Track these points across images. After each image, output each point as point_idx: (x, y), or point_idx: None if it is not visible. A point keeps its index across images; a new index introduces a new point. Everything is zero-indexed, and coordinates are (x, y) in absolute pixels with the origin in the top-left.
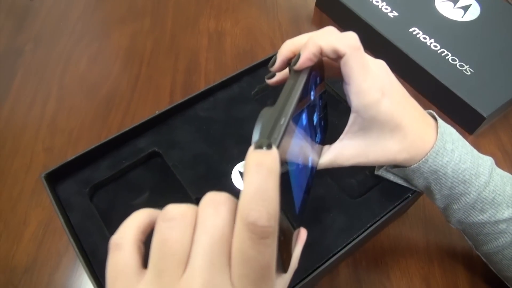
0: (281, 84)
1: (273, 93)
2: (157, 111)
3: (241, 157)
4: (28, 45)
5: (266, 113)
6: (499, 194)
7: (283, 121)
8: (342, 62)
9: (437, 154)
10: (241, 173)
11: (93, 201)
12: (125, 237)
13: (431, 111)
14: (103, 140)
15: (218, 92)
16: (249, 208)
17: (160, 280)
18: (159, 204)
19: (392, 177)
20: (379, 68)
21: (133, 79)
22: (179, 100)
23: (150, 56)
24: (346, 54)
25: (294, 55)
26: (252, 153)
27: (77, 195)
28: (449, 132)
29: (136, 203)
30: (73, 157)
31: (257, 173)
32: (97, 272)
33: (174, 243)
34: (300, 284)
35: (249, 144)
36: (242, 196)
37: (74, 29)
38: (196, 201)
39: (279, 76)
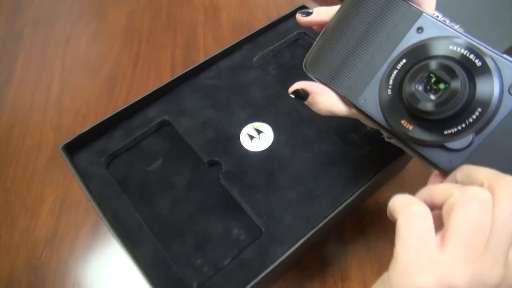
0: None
1: (274, 59)
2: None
3: (247, 120)
4: (26, 29)
5: None
6: None
7: None
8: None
9: None
10: (250, 136)
11: (109, 169)
12: (425, 210)
13: None
14: (114, 111)
15: (221, 61)
16: None
17: (466, 255)
18: (173, 169)
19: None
20: None
21: (133, 56)
22: None
23: (148, 33)
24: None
25: None
26: None
27: (93, 164)
28: None
29: (150, 169)
30: (88, 128)
31: None
32: (121, 234)
33: (487, 223)
34: (311, 232)
35: (254, 108)
36: None
37: (71, 10)
38: (209, 164)
39: (315, 16)
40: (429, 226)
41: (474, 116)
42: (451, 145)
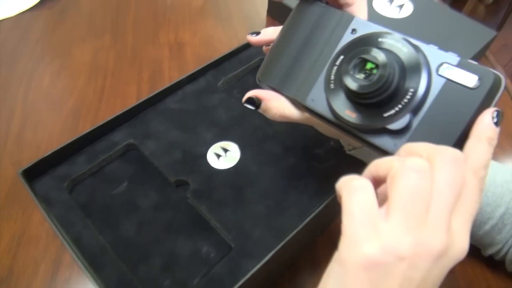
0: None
1: (238, 84)
2: None
3: (214, 140)
4: None
5: None
6: None
7: None
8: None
9: None
10: (217, 155)
11: (72, 195)
12: (366, 183)
13: None
14: (77, 135)
15: (186, 86)
16: (485, 168)
17: (408, 223)
18: (139, 191)
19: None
20: None
21: (98, 90)
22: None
23: (113, 68)
24: None
25: None
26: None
27: (55, 190)
28: None
29: (115, 192)
30: (49, 152)
31: (489, 148)
32: (84, 257)
33: (426, 191)
34: (282, 244)
35: (220, 128)
36: (481, 158)
37: (35, 49)
38: (176, 184)
39: (263, 36)
40: (370, 198)
41: (408, 97)
42: (392, 126)
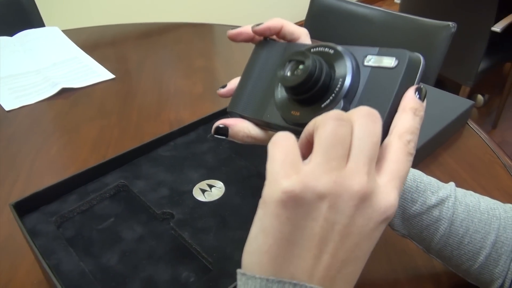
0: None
1: None
2: None
3: (200, 179)
4: (1, 143)
5: None
6: (420, 182)
7: None
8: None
9: None
10: (202, 190)
11: (60, 230)
12: (287, 133)
13: None
14: (68, 175)
15: (178, 138)
16: (411, 134)
17: (328, 164)
18: (124, 224)
19: None
20: None
21: (100, 159)
22: None
23: (116, 140)
24: None
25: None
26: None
27: (43, 223)
28: None
29: (101, 227)
30: (39, 189)
31: (414, 117)
32: (62, 281)
33: (344, 137)
34: None
35: (207, 169)
36: (406, 124)
37: (47, 128)
38: (161, 218)
39: (229, 86)
40: (291, 143)
41: (338, 85)
42: None
